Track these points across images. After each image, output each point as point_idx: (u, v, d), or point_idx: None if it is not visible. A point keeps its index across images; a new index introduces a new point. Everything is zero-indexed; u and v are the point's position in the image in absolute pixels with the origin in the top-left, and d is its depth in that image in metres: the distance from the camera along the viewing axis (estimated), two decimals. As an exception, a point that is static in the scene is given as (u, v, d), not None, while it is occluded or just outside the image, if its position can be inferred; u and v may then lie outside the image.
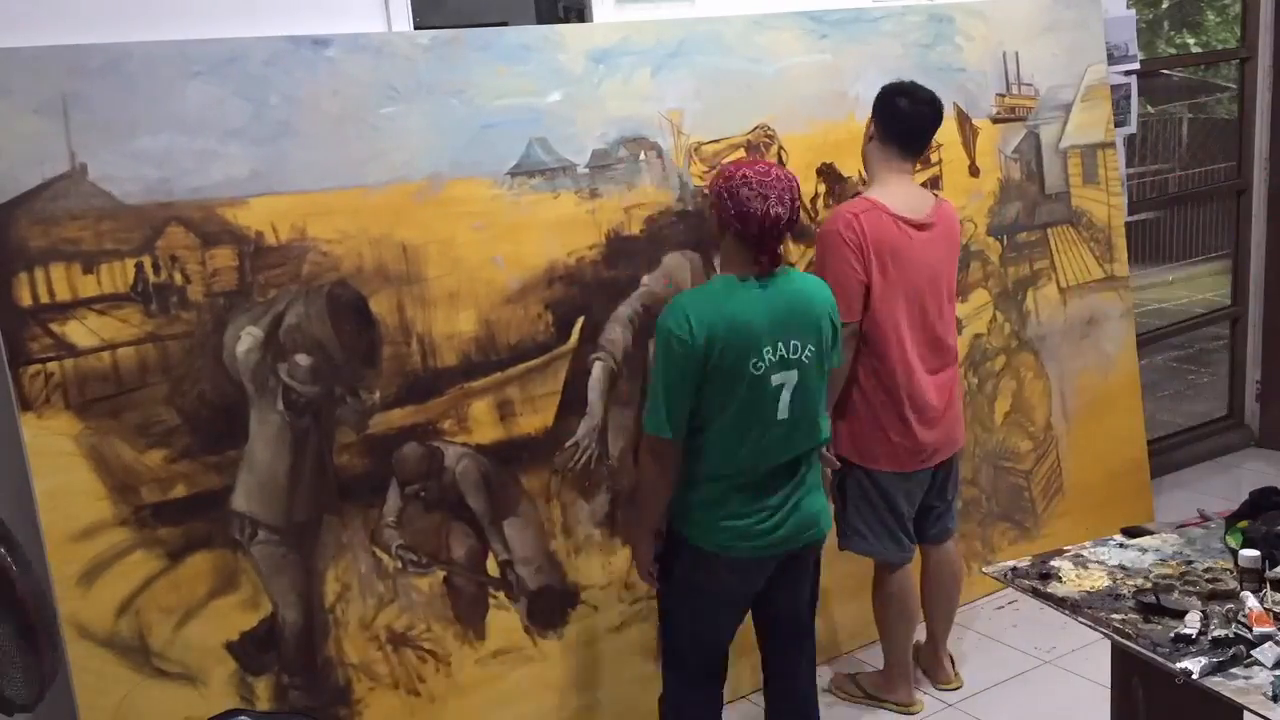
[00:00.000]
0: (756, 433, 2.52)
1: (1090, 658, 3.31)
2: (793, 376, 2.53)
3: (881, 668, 3.39)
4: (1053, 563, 2.53)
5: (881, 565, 3.25)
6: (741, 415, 2.50)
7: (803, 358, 2.54)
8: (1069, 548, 2.64)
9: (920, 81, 3.56)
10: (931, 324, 3.11)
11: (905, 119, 3.09)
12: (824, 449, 2.94)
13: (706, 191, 2.99)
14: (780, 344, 2.51)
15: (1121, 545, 2.61)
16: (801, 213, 3.39)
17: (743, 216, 2.47)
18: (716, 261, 3.18)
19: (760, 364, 2.48)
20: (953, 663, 3.44)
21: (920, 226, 3.07)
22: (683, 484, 2.58)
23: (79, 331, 2.48)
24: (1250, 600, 2.21)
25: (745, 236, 2.50)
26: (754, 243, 2.50)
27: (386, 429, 2.83)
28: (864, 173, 3.29)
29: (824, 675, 3.50)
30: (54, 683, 1.86)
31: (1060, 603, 2.37)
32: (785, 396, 2.53)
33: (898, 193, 3.08)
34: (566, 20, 3.54)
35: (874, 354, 3.07)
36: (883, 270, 3.01)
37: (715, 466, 2.54)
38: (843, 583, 3.58)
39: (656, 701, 2.85)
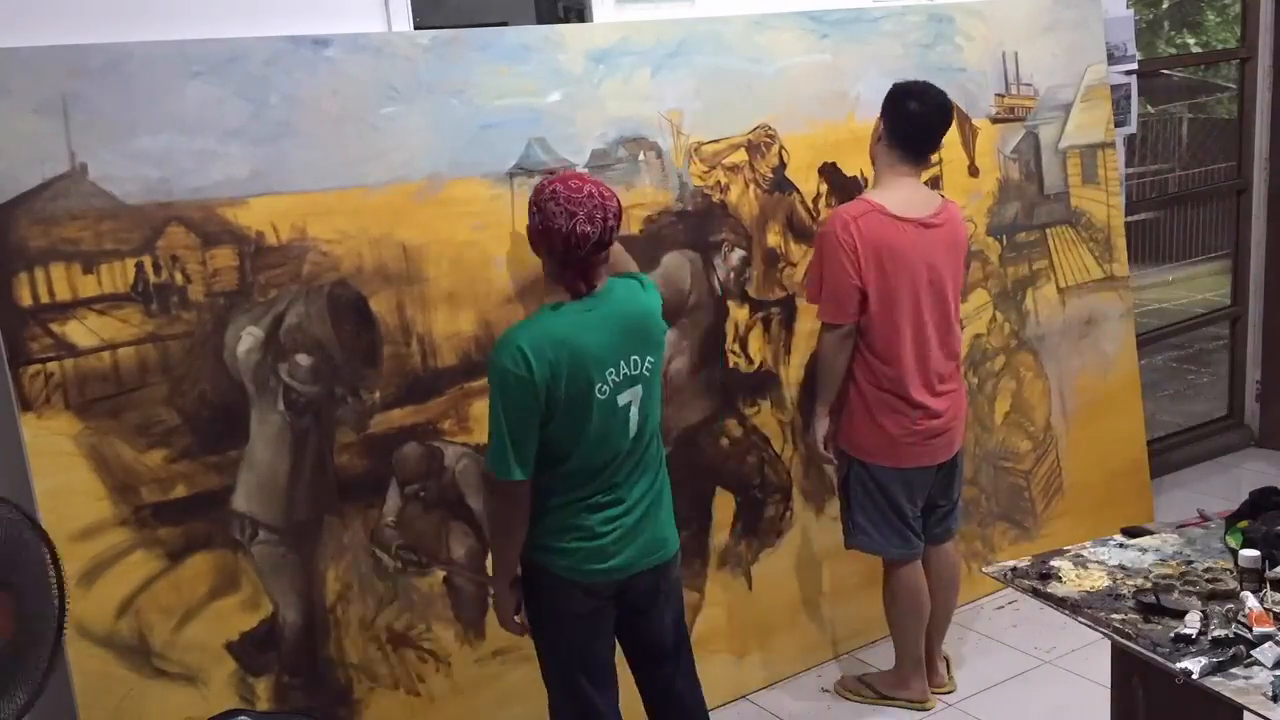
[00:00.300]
0: (609, 455, 2.40)
1: (1090, 658, 3.31)
2: (638, 392, 2.42)
3: (890, 667, 3.39)
4: (1053, 563, 2.53)
5: (889, 563, 3.25)
6: (596, 441, 2.38)
7: (644, 371, 2.42)
8: (1069, 548, 2.64)
9: (920, 81, 3.56)
10: (935, 324, 3.11)
11: (913, 121, 3.09)
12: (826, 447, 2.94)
13: (706, 178, 3.01)
14: (622, 362, 2.38)
15: (1121, 545, 2.61)
16: (800, 209, 3.43)
17: (547, 232, 2.32)
18: (720, 253, 3.20)
19: (605, 388, 2.35)
20: (948, 666, 3.44)
21: (925, 226, 3.07)
22: (540, 515, 2.43)
23: (79, 331, 2.48)
24: (1250, 600, 2.21)
25: (553, 254, 2.35)
26: (561, 260, 2.35)
27: (386, 429, 2.83)
28: (868, 172, 3.29)
29: (827, 675, 3.51)
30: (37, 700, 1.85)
31: (1060, 603, 2.37)
32: (633, 414, 2.42)
33: (900, 194, 3.09)
34: (566, 20, 3.54)
35: (874, 353, 3.08)
36: (880, 272, 3.01)
37: (567, 494, 2.42)
38: (843, 582, 3.59)
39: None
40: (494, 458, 2.34)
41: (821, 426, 3.18)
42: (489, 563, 2.97)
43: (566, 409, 2.32)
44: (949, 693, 3.39)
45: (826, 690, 3.44)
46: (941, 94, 3.11)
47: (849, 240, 3.00)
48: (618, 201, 2.39)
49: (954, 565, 3.37)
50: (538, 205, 2.35)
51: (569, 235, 2.30)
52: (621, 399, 2.39)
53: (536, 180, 2.95)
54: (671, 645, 2.66)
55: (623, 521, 2.46)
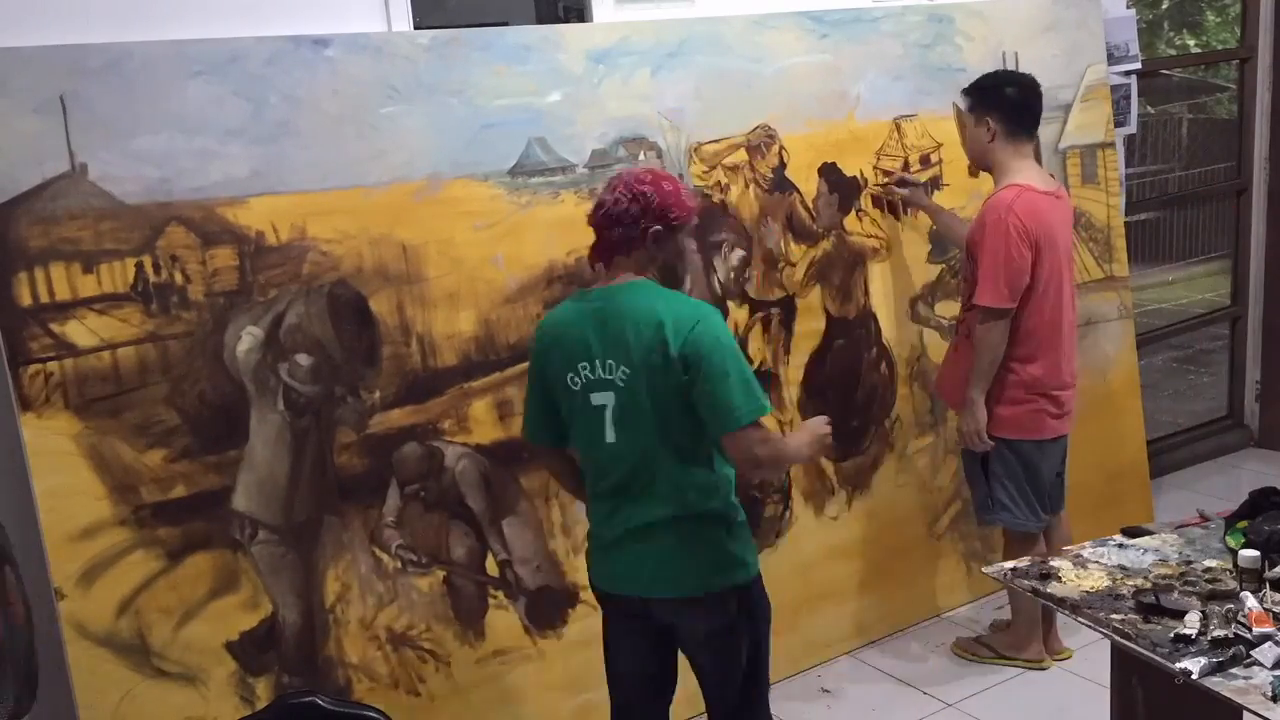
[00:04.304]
0: (597, 455, 2.36)
1: (1090, 658, 3.31)
2: (609, 398, 2.30)
3: (1006, 628, 3.54)
4: (1053, 563, 2.53)
5: (1018, 537, 3.38)
6: (579, 429, 2.38)
7: (617, 378, 2.28)
8: (1069, 548, 2.64)
9: (920, 81, 3.58)
10: (1070, 300, 3.30)
11: (1020, 104, 3.24)
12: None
13: (706, 178, 3.10)
14: (596, 362, 2.30)
15: (1121, 545, 2.61)
16: (800, 209, 3.43)
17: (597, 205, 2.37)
18: (720, 253, 3.20)
19: (576, 379, 2.33)
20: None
21: (1058, 199, 3.27)
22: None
23: (79, 331, 2.48)
24: (1250, 600, 2.21)
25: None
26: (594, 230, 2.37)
27: (386, 429, 2.83)
28: (868, 172, 3.28)
29: (827, 675, 3.50)
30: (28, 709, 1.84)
31: (1060, 603, 2.37)
32: (608, 418, 2.31)
33: (1035, 174, 3.26)
34: (566, 20, 3.54)
35: (1031, 336, 3.21)
36: (1041, 251, 3.16)
37: (589, 488, 2.45)
38: (843, 582, 3.59)
39: None
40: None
41: (981, 413, 3.25)
42: (488, 562, 2.99)
43: (554, 387, 2.40)
44: (1065, 658, 3.49)
45: (826, 690, 3.44)
46: (1025, 73, 3.39)
47: (1018, 224, 3.12)
48: (660, 197, 2.30)
49: (1069, 529, 3.52)
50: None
51: (599, 205, 2.36)
52: (594, 398, 2.32)
53: (537, 180, 2.98)
54: (714, 694, 2.46)
55: (607, 533, 2.40)
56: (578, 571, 3.10)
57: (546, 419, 2.45)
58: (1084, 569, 2.49)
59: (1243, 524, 2.51)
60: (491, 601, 3.00)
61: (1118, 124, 4.21)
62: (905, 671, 3.52)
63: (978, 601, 3.87)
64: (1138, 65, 4.32)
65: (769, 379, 3.42)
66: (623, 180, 2.34)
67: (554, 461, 2.58)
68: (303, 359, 2.72)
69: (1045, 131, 3.96)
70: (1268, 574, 2.29)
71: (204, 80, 2.59)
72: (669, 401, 2.27)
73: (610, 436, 2.32)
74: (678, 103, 3.21)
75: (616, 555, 2.40)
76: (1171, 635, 2.16)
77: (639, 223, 2.30)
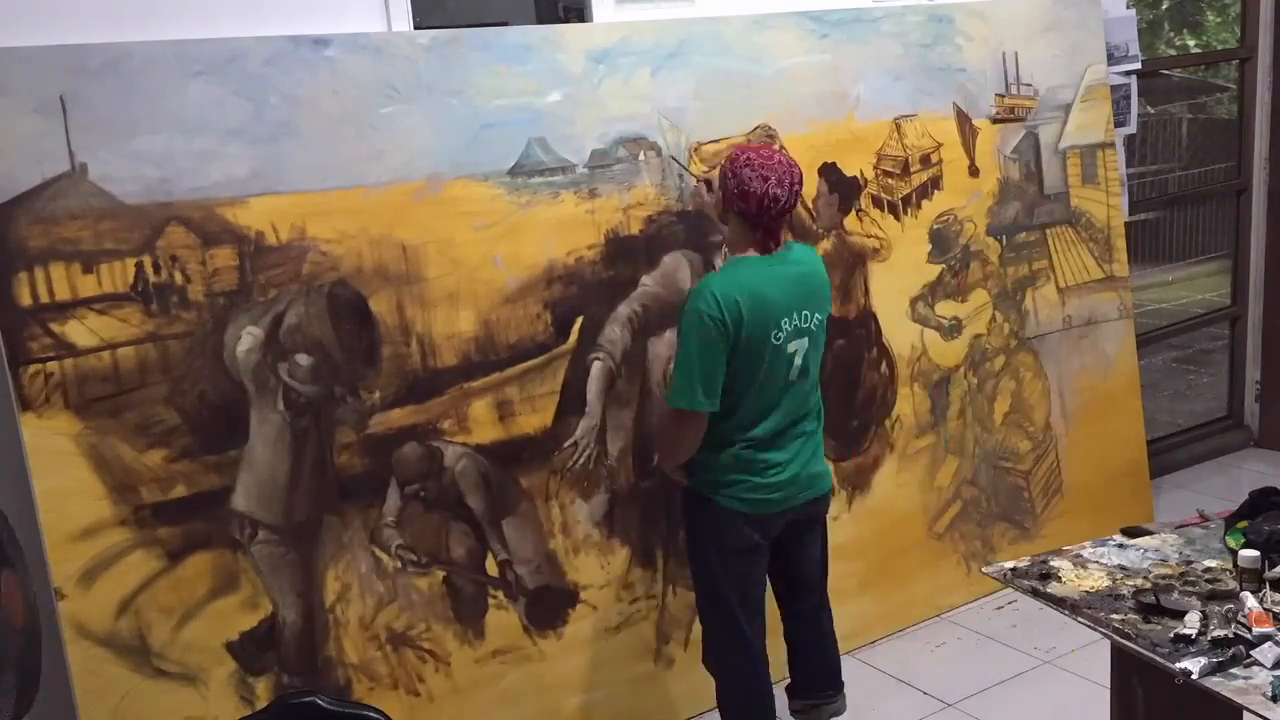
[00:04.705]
0: (774, 397, 2.71)
1: (1090, 658, 3.31)
2: (804, 344, 2.72)
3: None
4: (1052, 563, 2.53)
5: None
6: (764, 382, 2.68)
7: (812, 325, 2.73)
8: (1068, 548, 2.64)
9: (920, 81, 3.58)
10: None
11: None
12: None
13: (700, 179, 3.07)
14: (795, 314, 2.68)
15: (1121, 545, 2.61)
16: (800, 209, 3.43)
17: (744, 195, 2.63)
18: (721, 253, 3.20)
19: (780, 334, 2.66)
20: None
21: None
22: (704, 448, 2.73)
23: (79, 331, 2.48)
24: (1250, 600, 2.21)
25: (746, 215, 2.66)
26: (753, 221, 2.66)
27: (386, 429, 2.83)
28: (869, 172, 3.27)
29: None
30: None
31: (1060, 603, 2.37)
32: (797, 361, 2.71)
33: None
34: (566, 20, 3.54)
35: None
36: None
37: (736, 431, 2.70)
38: (843, 582, 3.59)
39: (700, 662, 2.95)
40: (682, 392, 2.64)
41: None
42: (488, 562, 2.99)
43: (745, 350, 2.63)
44: None
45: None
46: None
47: None
48: (800, 170, 2.70)
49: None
50: (733, 172, 2.66)
51: (763, 197, 2.62)
52: (790, 347, 2.69)
53: (537, 180, 2.98)
54: (817, 577, 2.97)
55: (784, 461, 2.74)
56: (577, 571, 3.11)
57: (718, 384, 2.63)
58: (1084, 569, 2.49)
59: (1243, 524, 2.51)
60: (491, 601, 3.00)
61: (1118, 124, 4.21)
62: (905, 671, 3.52)
63: (978, 601, 3.87)
64: (1138, 65, 4.32)
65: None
66: (775, 169, 2.63)
67: (701, 426, 2.69)
68: (303, 359, 2.72)
69: (1046, 131, 3.98)
70: (1268, 574, 2.29)
71: (204, 80, 2.59)
72: (824, 339, 2.82)
73: (794, 376, 2.72)
74: (678, 103, 3.21)
75: (802, 469, 2.78)
76: (1171, 635, 2.16)
77: (795, 198, 2.68)
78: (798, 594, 2.98)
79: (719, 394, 2.65)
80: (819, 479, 2.84)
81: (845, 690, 3.04)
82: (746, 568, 2.82)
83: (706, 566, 2.83)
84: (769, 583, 2.94)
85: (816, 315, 2.75)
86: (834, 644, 3.03)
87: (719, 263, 3.31)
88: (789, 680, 3.04)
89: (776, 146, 3.37)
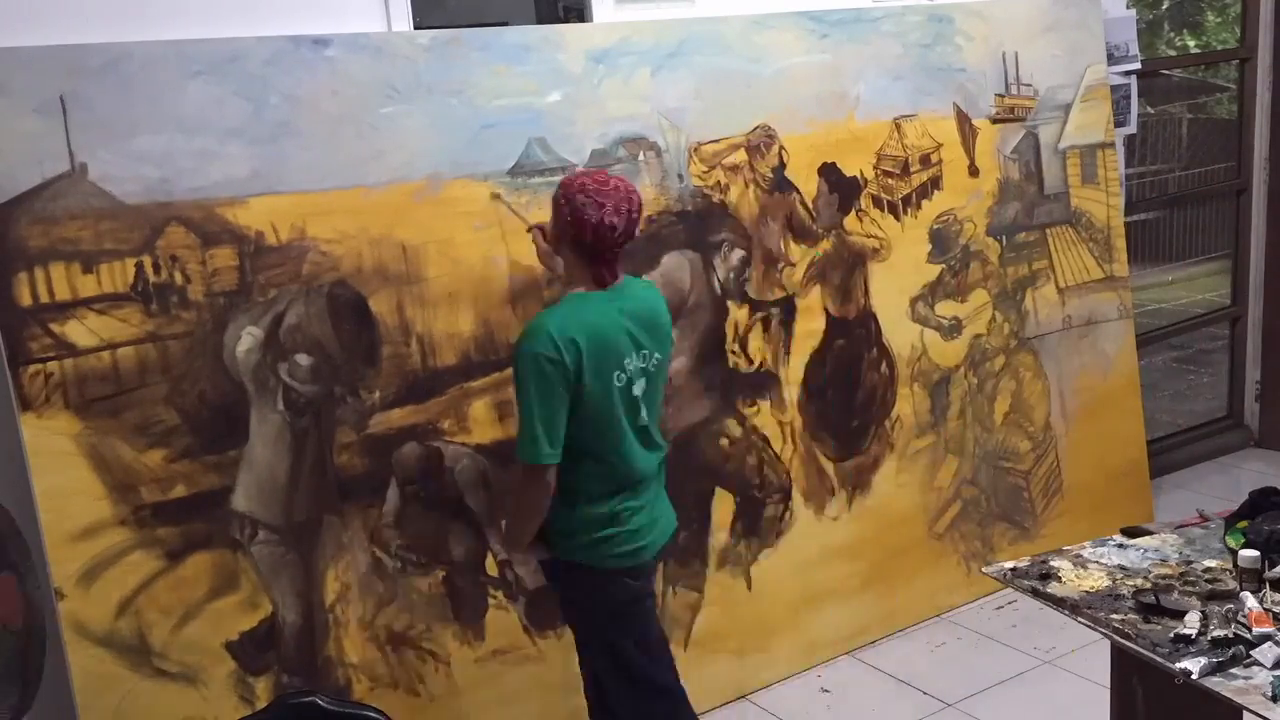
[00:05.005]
0: (627, 442, 2.51)
1: (1090, 658, 3.31)
2: (643, 384, 2.53)
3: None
4: (1052, 563, 2.53)
5: None
6: (614, 427, 2.48)
7: (651, 365, 2.55)
8: (1068, 548, 2.64)
9: (920, 81, 3.57)
10: None
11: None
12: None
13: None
14: (637, 354, 2.51)
15: (1121, 545, 2.61)
16: (800, 209, 3.43)
17: (578, 224, 2.44)
18: (720, 253, 3.19)
19: (623, 375, 2.47)
20: None
21: None
22: (566, 506, 2.50)
23: (79, 331, 2.48)
24: (1249, 600, 2.21)
25: (581, 246, 2.46)
26: (590, 253, 2.46)
27: (386, 429, 2.83)
28: (868, 172, 3.25)
29: (827, 675, 3.50)
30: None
31: (1060, 603, 2.37)
32: (642, 405, 2.54)
33: None
34: (566, 20, 3.54)
35: None
36: None
37: (594, 481, 2.51)
38: (843, 582, 3.59)
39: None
40: (525, 443, 2.40)
41: None
42: (488, 562, 2.99)
43: (592, 393, 2.42)
44: None
45: (826, 690, 3.44)
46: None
47: None
48: (639, 196, 2.52)
49: None
50: (567, 199, 2.46)
51: (598, 226, 2.43)
52: (635, 388, 2.51)
53: (537, 181, 2.97)
54: (663, 637, 2.77)
55: (645, 506, 2.59)
56: (578, 571, 3.10)
57: (560, 433, 2.41)
58: (1084, 569, 2.49)
59: (1243, 524, 2.52)
60: (491, 601, 3.00)
61: (1118, 124, 4.21)
62: (905, 671, 3.52)
63: (977, 601, 3.87)
64: (1137, 65, 4.32)
65: (769, 379, 3.42)
66: (611, 195, 2.45)
67: (550, 482, 2.45)
68: (303, 359, 2.72)
69: (1045, 132, 3.98)
70: (1268, 574, 2.29)
71: (204, 80, 2.59)
72: (664, 379, 2.64)
73: (644, 419, 2.56)
74: (678, 103, 3.21)
75: (657, 517, 2.63)
76: (1171, 635, 2.16)
77: (633, 225, 2.51)
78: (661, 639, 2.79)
79: (560, 445, 2.41)
80: (671, 524, 2.70)
81: None
82: (641, 614, 2.65)
83: (600, 633, 2.62)
84: None
85: (656, 355, 2.56)
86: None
87: (718, 262, 3.31)
88: None
89: (776, 147, 3.37)
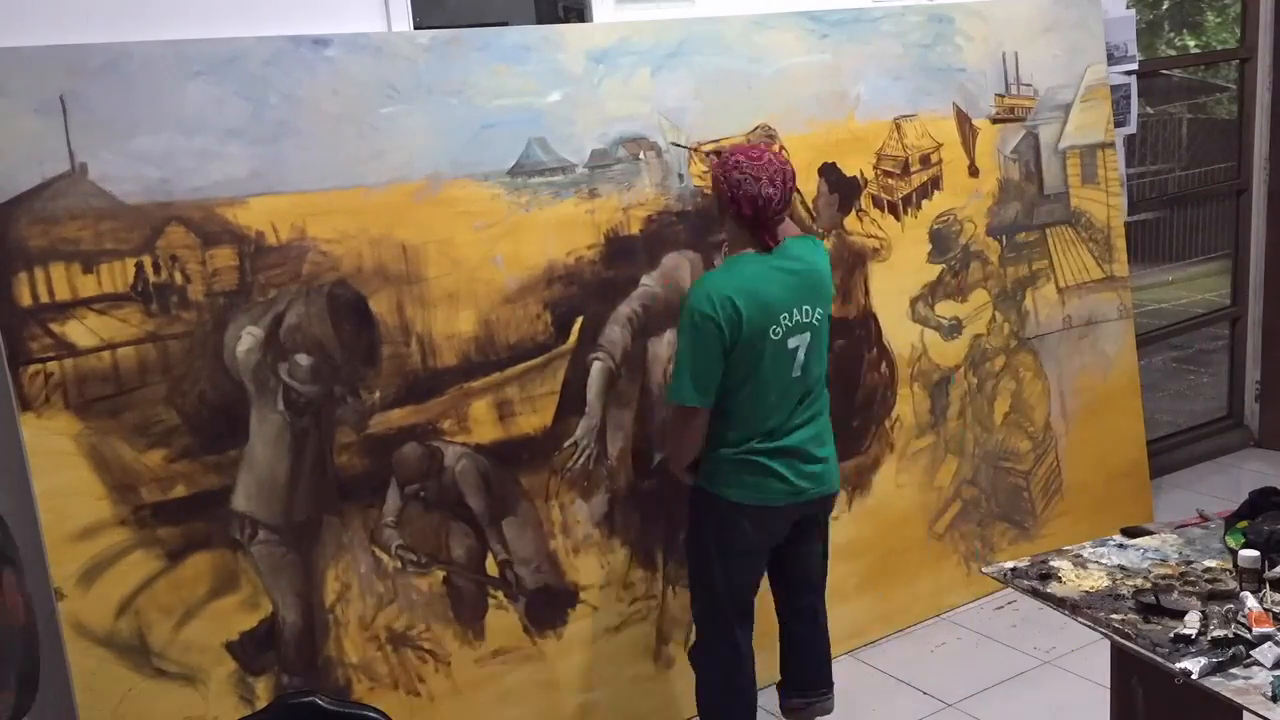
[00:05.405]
0: (777, 392, 2.72)
1: (1090, 658, 3.31)
2: (806, 338, 2.74)
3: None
4: (1052, 563, 2.53)
5: None
6: (764, 378, 2.69)
7: (814, 320, 2.75)
8: (1068, 548, 2.64)
9: (920, 81, 3.57)
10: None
11: None
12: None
13: (705, 178, 3.06)
14: (795, 310, 2.70)
15: (1121, 545, 2.61)
16: (800, 209, 3.43)
17: (737, 199, 2.66)
18: (722, 251, 3.20)
19: (779, 330, 2.68)
20: None
21: None
22: (710, 444, 2.76)
23: (79, 331, 2.48)
24: (1249, 600, 2.21)
25: (742, 218, 2.68)
26: (750, 223, 2.68)
27: (386, 429, 2.83)
28: (868, 172, 3.26)
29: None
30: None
31: (1060, 603, 2.37)
32: (800, 357, 2.73)
33: None
34: (566, 20, 3.54)
35: None
36: None
37: (741, 426, 2.73)
38: (843, 582, 3.59)
39: (687, 655, 3.00)
40: (677, 387, 2.69)
41: None
42: (488, 562, 2.99)
43: (746, 346, 2.64)
44: None
45: (826, 690, 3.44)
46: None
47: None
48: (792, 167, 2.73)
49: None
50: (724, 176, 2.68)
51: (756, 198, 2.64)
52: (791, 342, 2.71)
53: (536, 181, 2.98)
54: (818, 577, 3.01)
55: (789, 458, 2.76)
56: (578, 571, 3.11)
57: (712, 382, 2.66)
58: (1084, 569, 2.49)
59: (1243, 524, 2.52)
60: (491, 601, 3.00)
61: (1118, 124, 4.21)
62: (905, 671, 3.52)
63: (978, 601, 3.87)
64: (1137, 65, 4.32)
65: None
66: (766, 168, 2.65)
67: (700, 421, 2.72)
68: (303, 359, 2.72)
69: (1045, 131, 3.98)
70: (1268, 574, 2.29)
71: (204, 80, 2.59)
72: (828, 333, 2.83)
73: (797, 371, 2.74)
74: (678, 103, 3.21)
75: (807, 466, 2.78)
76: (1171, 635, 2.16)
77: (789, 195, 2.71)
78: (799, 591, 3.00)
79: (713, 392, 2.67)
80: (824, 477, 2.85)
81: (834, 692, 3.06)
82: (745, 568, 2.85)
83: (706, 564, 2.85)
84: (768, 578, 2.96)
85: (818, 310, 2.76)
86: (828, 643, 3.07)
87: (718, 262, 3.31)
88: (780, 679, 3.07)
89: (776, 147, 3.38)
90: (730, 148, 2.83)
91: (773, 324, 2.67)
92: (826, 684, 3.06)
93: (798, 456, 2.77)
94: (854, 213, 3.57)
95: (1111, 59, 4.18)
